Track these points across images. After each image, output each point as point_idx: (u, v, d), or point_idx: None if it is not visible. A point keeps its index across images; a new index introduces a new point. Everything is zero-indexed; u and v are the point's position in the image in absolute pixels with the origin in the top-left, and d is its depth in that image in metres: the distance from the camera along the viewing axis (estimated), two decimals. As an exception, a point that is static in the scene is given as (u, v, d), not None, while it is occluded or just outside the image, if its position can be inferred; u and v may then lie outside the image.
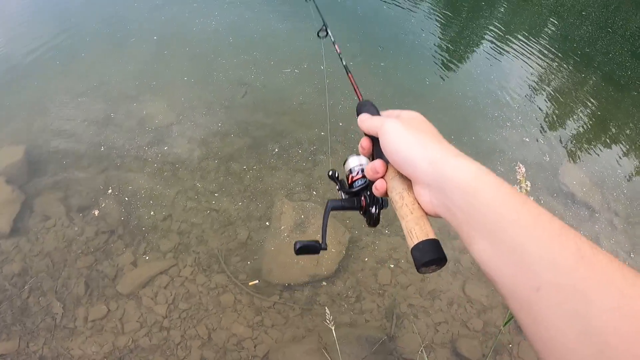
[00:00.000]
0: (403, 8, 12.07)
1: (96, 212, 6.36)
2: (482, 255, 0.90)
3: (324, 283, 5.62)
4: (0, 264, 5.91)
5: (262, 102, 8.12)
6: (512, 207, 0.87)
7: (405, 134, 1.15)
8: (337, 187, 1.50)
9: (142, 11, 10.37)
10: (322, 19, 2.45)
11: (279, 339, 5.20)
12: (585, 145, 9.16)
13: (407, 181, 1.16)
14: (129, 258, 5.89)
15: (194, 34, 9.64)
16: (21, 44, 9.06)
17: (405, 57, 10.08)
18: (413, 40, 10.89)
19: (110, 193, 6.58)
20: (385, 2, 12.20)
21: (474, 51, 11.19)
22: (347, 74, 1.91)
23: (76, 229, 6.20)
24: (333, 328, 4.08)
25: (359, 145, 1.40)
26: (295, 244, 1.38)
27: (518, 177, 2.07)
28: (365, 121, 1.35)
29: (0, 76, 8.38)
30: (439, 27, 11.69)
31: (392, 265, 5.82)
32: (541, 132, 8.77)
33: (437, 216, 1.08)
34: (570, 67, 11.50)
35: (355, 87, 1.78)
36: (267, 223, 6.16)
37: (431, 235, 1.09)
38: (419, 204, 1.13)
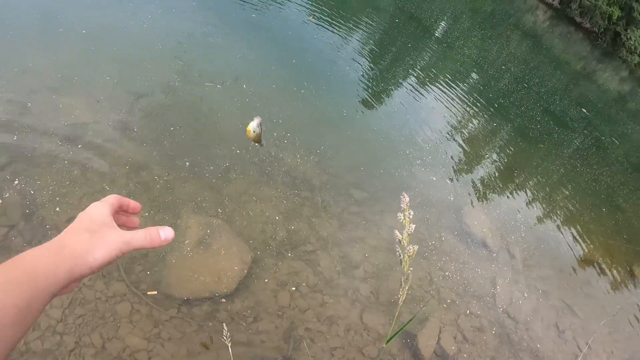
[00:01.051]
0: (331, 43, 12.38)
1: (-2, 207, 6.17)
2: None
3: (223, 300, 5.66)
4: None
5: (180, 113, 8.09)
6: None
7: None
8: None
9: (75, 3, 10.14)
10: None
11: (174, 353, 5.19)
12: (490, 191, 9.72)
13: None
14: (26, 256, 5.73)
15: (124, 35, 9.51)
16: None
17: (327, 88, 10.35)
18: (337, 73, 11.20)
19: (16, 185, 6.38)
20: (317, 33, 12.48)
21: (394, 90, 11.64)
22: None
23: (-27, 222, 5.99)
24: (229, 345, 4.16)
25: None
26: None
27: (402, 205, 2.27)
28: None
29: None
30: (365, 64, 12.09)
31: (292, 289, 5.95)
32: (449, 173, 9.24)
33: None
34: (485, 116, 12.18)
35: None
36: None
37: None
38: None
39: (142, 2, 10.69)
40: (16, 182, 6.40)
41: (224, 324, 4.30)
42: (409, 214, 2.36)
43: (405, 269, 2.48)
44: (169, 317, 5.45)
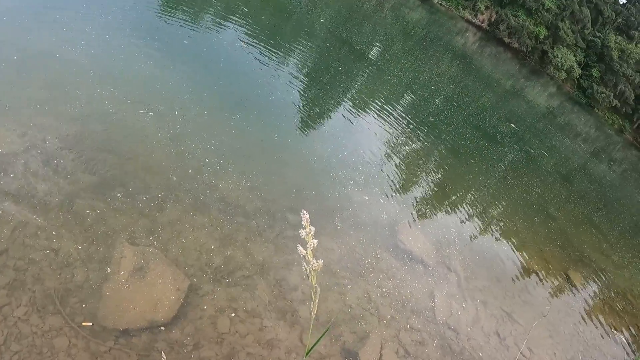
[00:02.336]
0: (263, 68, 12.54)
1: None
2: None
3: (162, 328, 5.66)
4: None
5: (113, 141, 8.02)
6: None
7: None
8: None
9: (8, 28, 9.94)
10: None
11: (112, 385, 5.19)
12: (424, 208, 10.05)
13: None
14: (-44, 292, 5.61)
15: (57, 61, 9.38)
16: None
17: (259, 113, 10.47)
18: (269, 98, 11.35)
19: None
20: (249, 59, 12.63)
21: (328, 114, 11.87)
22: None
23: None
24: (168, 375, 4.21)
25: None
26: None
27: (303, 222, 2.40)
28: None
29: None
30: (297, 88, 12.29)
31: (232, 315, 6.01)
32: (382, 192, 9.50)
33: None
34: (417, 136, 12.58)
35: None
36: (106, 266, 6.09)
37: None
38: None
39: (75, 28, 10.57)
40: None
41: (162, 353, 4.35)
42: (310, 230, 2.46)
43: (313, 282, 2.56)
44: (108, 348, 5.41)
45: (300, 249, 2.44)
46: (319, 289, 2.58)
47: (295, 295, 6.53)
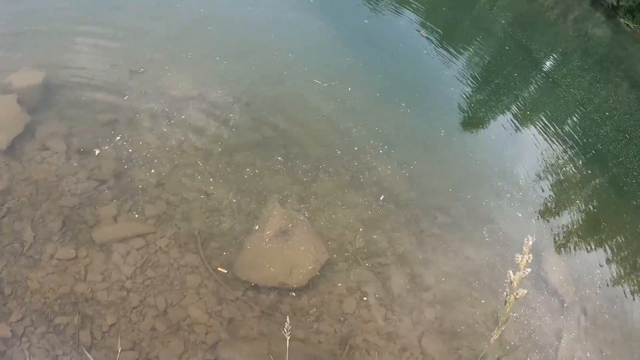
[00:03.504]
0: (438, 60, 12.16)
1: (94, 158, 6.41)
2: None
3: (293, 294, 5.68)
4: (-15, 176, 5.95)
5: (282, 105, 8.20)
6: None
7: None
8: None
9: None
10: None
11: (231, 333, 5.23)
12: (573, 239, 9.28)
13: None
14: (112, 211, 5.93)
15: (240, 20, 9.71)
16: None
17: (429, 105, 10.14)
18: (440, 91, 10.96)
19: (114, 144, 6.63)
20: (425, 48, 12.31)
21: (494, 118, 11.29)
22: None
23: (70, 167, 6.25)
24: (288, 338, 4.13)
25: None
26: None
27: (524, 247, 2.16)
28: None
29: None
30: (469, 87, 11.79)
31: (360, 298, 5.87)
32: (535, 213, 8.87)
33: None
34: (580, 160, 11.65)
35: None
36: (254, 221, 6.21)
37: None
38: None
39: None
40: (115, 141, 6.65)
41: (287, 317, 4.27)
42: (529, 257, 2.24)
43: (508, 310, 2.36)
44: (235, 297, 5.50)
45: (510, 273, 2.24)
46: (509, 319, 2.37)
47: (426, 295, 6.23)
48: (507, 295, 2.29)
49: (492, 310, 6.78)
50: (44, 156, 6.33)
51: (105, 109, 7.08)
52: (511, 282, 2.29)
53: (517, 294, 2.29)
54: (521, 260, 2.24)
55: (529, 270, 2.17)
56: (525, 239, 2.16)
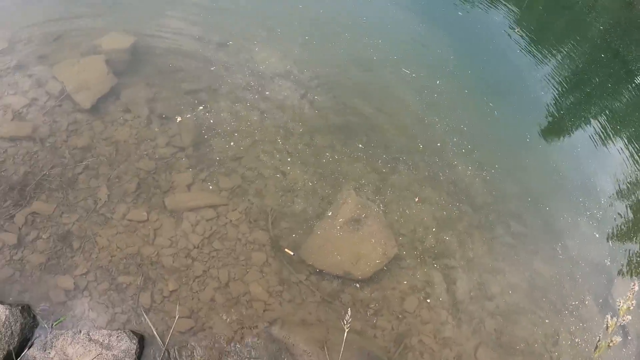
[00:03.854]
0: (529, 61, 11.75)
1: (175, 125, 6.51)
2: None
3: (357, 285, 5.63)
4: (69, 132, 6.14)
5: (368, 91, 8.12)
6: None
7: None
8: None
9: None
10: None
11: (290, 315, 5.24)
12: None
13: None
14: (186, 179, 6.03)
15: (331, 1, 9.67)
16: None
17: (516, 107, 9.82)
18: (529, 94, 10.55)
19: (196, 113, 6.73)
20: (517, 47, 11.92)
21: (582, 129, 10.81)
22: None
23: (151, 132, 6.40)
24: (347, 330, 4.09)
25: None
26: None
27: (629, 293, 2.03)
28: None
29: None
30: (558, 92, 11.32)
31: (423, 298, 5.76)
32: (614, 236, 8.47)
33: None
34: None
35: None
36: (327, 206, 6.20)
37: None
38: None
39: None
40: (197, 110, 6.74)
41: (349, 310, 4.22)
42: (632, 304, 2.10)
43: (596, 355, 2.23)
44: (298, 280, 5.50)
45: (608, 318, 2.12)
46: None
47: (488, 305, 6.04)
48: (599, 340, 2.16)
49: (554, 331, 6.53)
50: (127, 118, 6.50)
51: (190, 79, 7.19)
52: (607, 327, 2.15)
53: (611, 340, 2.15)
54: (622, 306, 2.10)
55: (630, 317, 2.03)
56: (632, 284, 2.02)
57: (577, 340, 6.71)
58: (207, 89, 7.10)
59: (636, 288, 2.06)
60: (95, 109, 6.44)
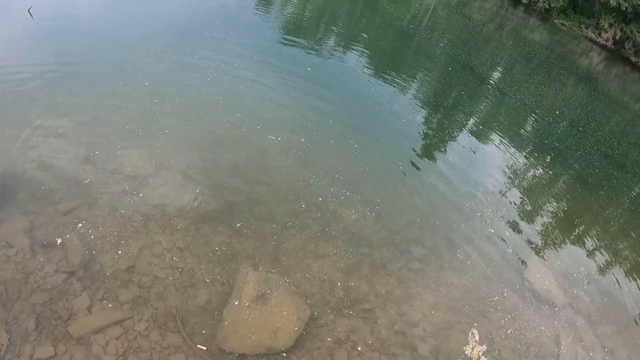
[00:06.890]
0: (386, 95, 12.28)
1: (59, 250, 6.26)
2: None
3: (284, 354, 5.54)
4: (-47, 281, 5.78)
5: (240, 167, 8.18)
6: None
7: None
8: None
9: (143, 56, 10.44)
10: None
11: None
12: (551, 242, 9.34)
13: None
14: (84, 302, 5.77)
15: (186, 88, 9.72)
16: (18, 66, 9.03)
17: (383, 141, 10.25)
18: (393, 125, 11.09)
19: (77, 232, 6.48)
20: (372, 86, 12.44)
21: (451, 141, 11.44)
22: None
23: (37, 263, 6.09)
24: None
25: None
26: None
27: (470, 341, 2.13)
28: None
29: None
30: (420, 114, 11.97)
31: (351, 347, 5.77)
32: (509, 225, 8.93)
33: None
34: (542, 163, 11.83)
35: None
36: (229, 290, 6.10)
37: None
38: None
39: (205, 56, 11.01)
40: (76, 229, 6.52)
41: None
42: (480, 350, 2.22)
43: None
44: (224, 372, 5.37)
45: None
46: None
47: (416, 331, 6.16)
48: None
49: (487, 332, 6.72)
50: (9, 254, 6.17)
51: (66, 198, 6.94)
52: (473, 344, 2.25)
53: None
54: (472, 353, 2.21)
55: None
56: (471, 334, 2.14)
57: (509, 331, 6.95)
58: (84, 205, 6.88)
59: (477, 337, 2.16)
60: (-26, 253, 6.11)
